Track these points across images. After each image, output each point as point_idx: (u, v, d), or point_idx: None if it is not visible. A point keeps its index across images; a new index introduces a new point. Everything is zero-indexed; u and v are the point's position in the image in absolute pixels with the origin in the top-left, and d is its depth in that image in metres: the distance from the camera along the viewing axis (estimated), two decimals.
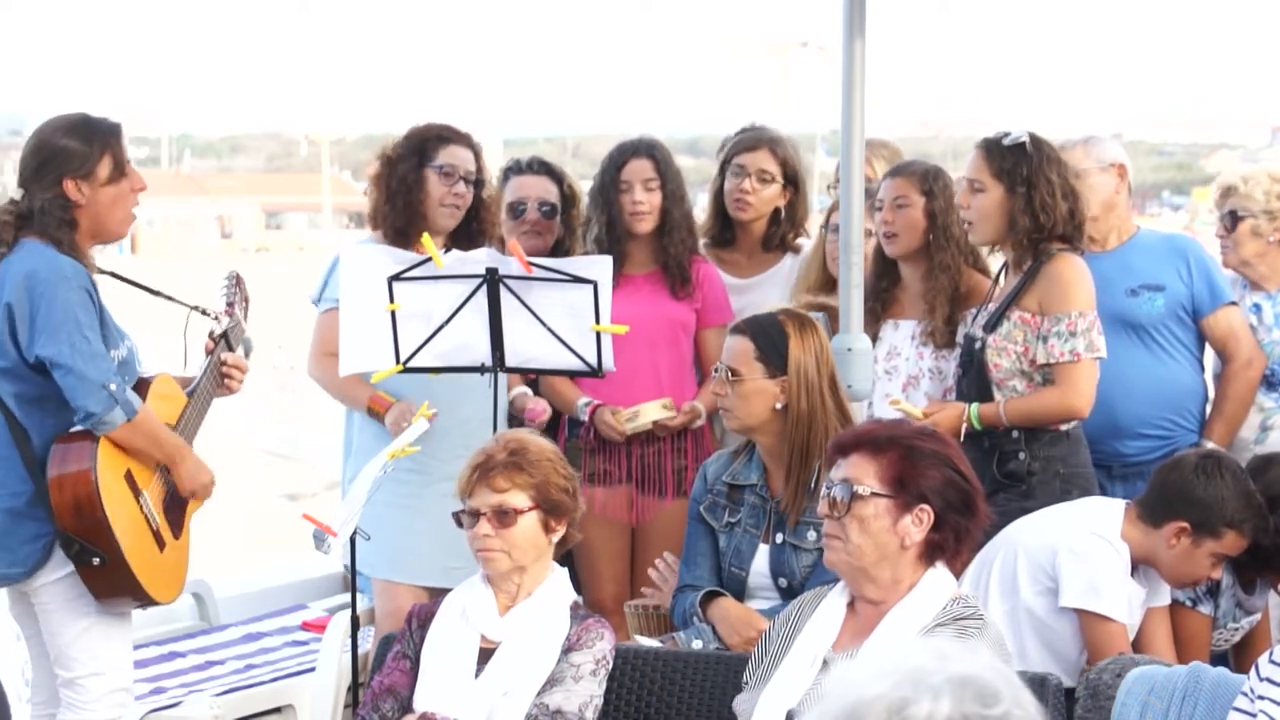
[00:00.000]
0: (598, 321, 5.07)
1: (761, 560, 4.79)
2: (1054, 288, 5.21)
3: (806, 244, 6.18)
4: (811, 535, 4.68)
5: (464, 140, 5.63)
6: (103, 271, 4.76)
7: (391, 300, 5.07)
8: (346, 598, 5.36)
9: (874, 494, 3.72)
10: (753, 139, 6.15)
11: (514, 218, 6.03)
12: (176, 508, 4.84)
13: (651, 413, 5.64)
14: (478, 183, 5.62)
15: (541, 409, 5.55)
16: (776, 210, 6.12)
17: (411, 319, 5.11)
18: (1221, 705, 3.89)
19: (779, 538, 4.78)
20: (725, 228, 6.17)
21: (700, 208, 6.39)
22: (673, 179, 5.83)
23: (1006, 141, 5.28)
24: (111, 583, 4.63)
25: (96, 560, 4.57)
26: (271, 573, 6.67)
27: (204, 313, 5.04)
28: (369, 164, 5.85)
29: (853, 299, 5.32)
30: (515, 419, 5.57)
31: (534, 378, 5.78)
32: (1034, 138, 5.30)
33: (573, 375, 5.52)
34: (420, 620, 4.28)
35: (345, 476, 5.67)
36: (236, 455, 19.07)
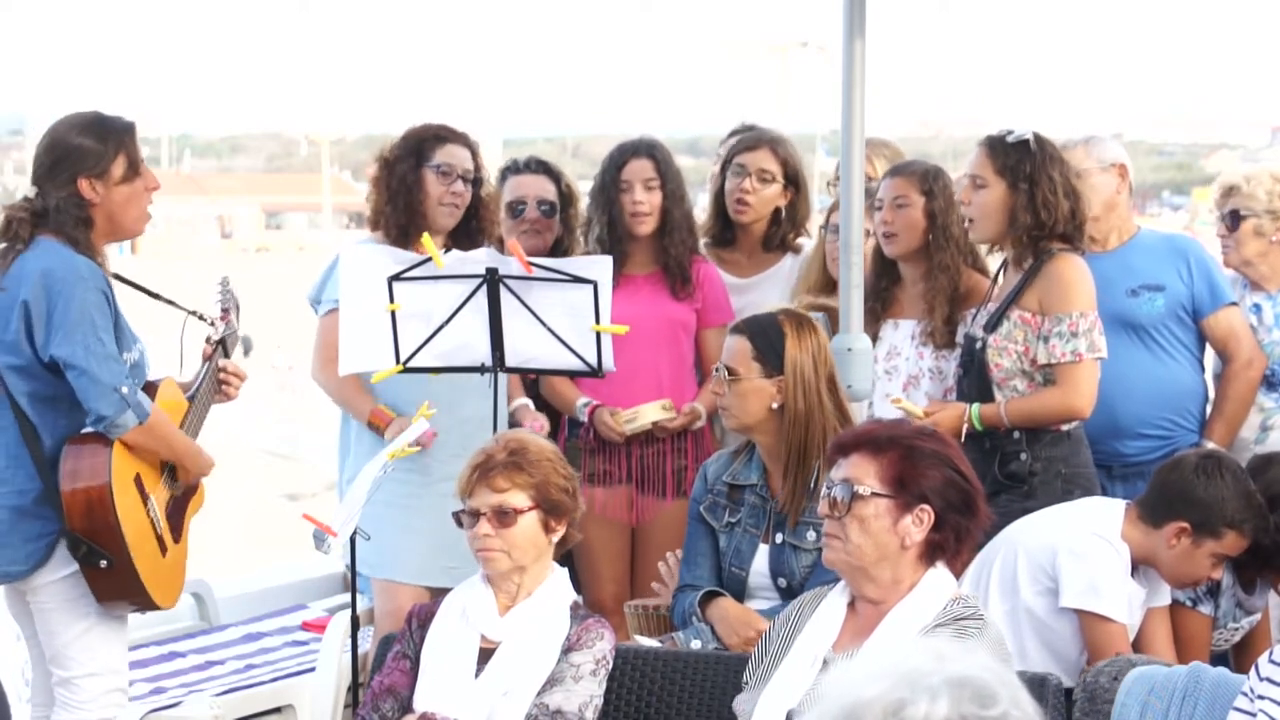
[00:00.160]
0: (598, 321, 5.07)
1: (761, 560, 4.79)
2: (1054, 288, 5.21)
3: (807, 244, 6.18)
4: (811, 535, 4.68)
5: (460, 139, 5.64)
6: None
7: (391, 300, 5.07)
8: (346, 598, 5.37)
9: (874, 494, 3.72)
10: (753, 139, 6.15)
11: (513, 217, 6.03)
12: (177, 512, 4.85)
13: (651, 414, 5.64)
14: (476, 181, 5.62)
15: (540, 425, 5.54)
16: (777, 210, 6.12)
17: (411, 319, 5.11)
18: (1221, 705, 3.89)
19: (779, 538, 4.77)
20: (726, 227, 6.17)
21: (700, 207, 6.39)
22: (673, 179, 5.83)
23: (1010, 138, 5.28)
24: (116, 586, 4.64)
25: (104, 563, 4.58)
26: (271, 573, 6.67)
27: (201, 317, 5.04)
28: (369, 165, 5.85)
29: (853, 299, 5.32)
30: (515, 420, 5.57)
31: (534, 378, 5.78)
32: (1038, 136, 5.30)
33: (573, 375, 5.52)
34: (420, 620, 4.27)
35: (344, 476, 5.66)
36: (236, 455, 19.06)
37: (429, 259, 5.06)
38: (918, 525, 3.72)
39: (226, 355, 5.06)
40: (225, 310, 5.11)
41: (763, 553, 4.79)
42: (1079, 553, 4.75)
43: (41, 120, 4.82)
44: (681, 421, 5.71)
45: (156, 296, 4.92)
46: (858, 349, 5.27)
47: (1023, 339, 5.22)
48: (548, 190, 6.08)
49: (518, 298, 5.06)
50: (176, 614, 5.89)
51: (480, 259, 5.11)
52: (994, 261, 5.60)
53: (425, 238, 5.24)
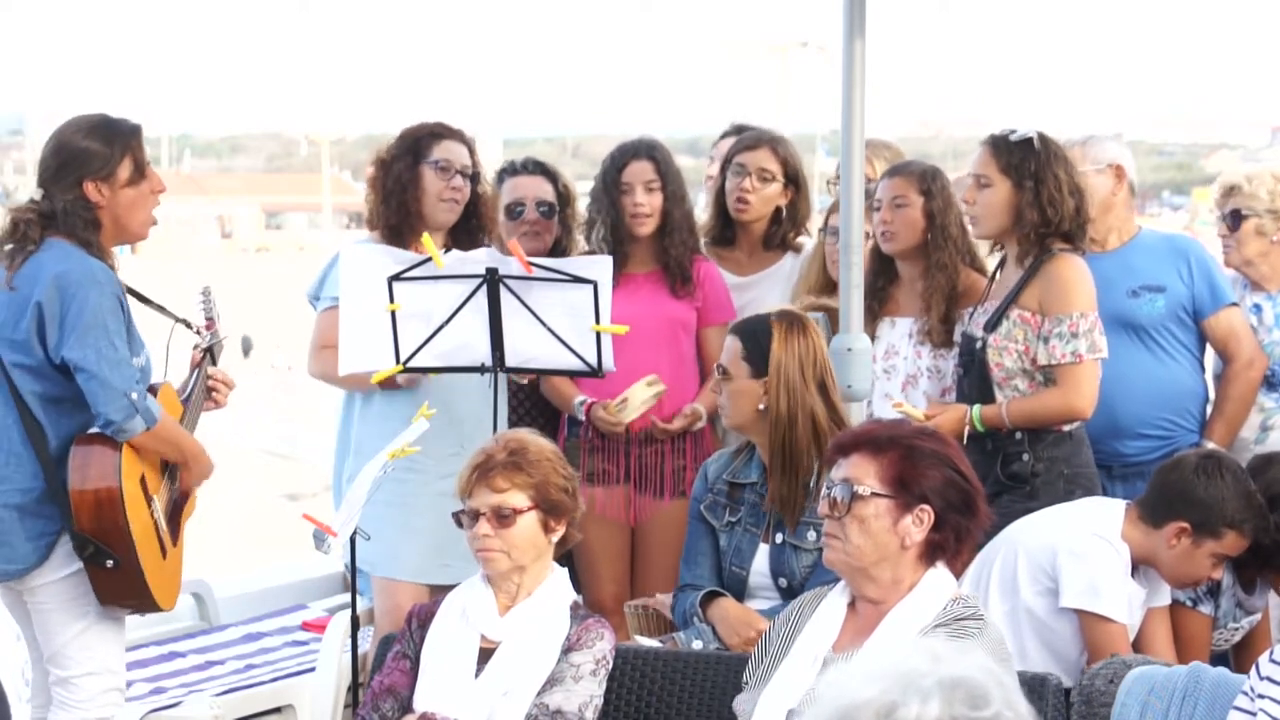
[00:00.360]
0: (598, 321, 5.07)
1: (762, 560, 4.79)
2: (1055, 288, 5.20)
3: (807, 243, 6.18)
4: (811, 535, 4.67)
5: (457, 136, 5.64)
6: None
7: (391, 300, 5.07)
8: (346, 598, 5.37)
9: (874, 494, 3.72)
10: (754, 138, 6.15)
11: (512, 219, 6.03)
12: (175, 514, 4.86)
13: (639, 393, 5.60)
14: (473, 177, 5.62)
15: None
16: (778, 209, 6.12)
17: (411, 319, 5.11)
18: (1221, 705, 3.89)
19: (779, 537, 4.77)
20: (726, 226, 6.17)
21: (700, 207, 6.39)
22: (673, 180, 5.83)
23: (1014, 137, 5.28)
24: (120, 586, 4.64)
25: (111, 563, 4.58)
26: (271, 573, 6.66)
27: (188, 325, 5.05)
28: (368, 166, 5.85)
29: (853, 299, 5.31)
30: (514, 419, 5.57)
31: (534, 377, 5.78)
32: (1041, 135, 5.30)
33: (573, 375, 5.52)
34: (420, 620, 4.27)
35: (344, 475, 5.65)
36: (236, 455, 19.07)
37: (429, 259, 5.06)
38: (918, 525, 3.72)
39: (214, 363, 5.08)
40: (210, 319, 5.13)
41: (763, 552, 4.79)
42: (1079, 553, 4.75)
43: (41, 120, 4.83)
44: (681, 423, 5.71)
45: (147, 301, 4.92)
46: (857, 349, 5.26)
47: (1023, 338, 5.22)
48: (546, 191, 6.08)
49: (518, 298, 5.07)
50: (176, 614, 5.88)
51: (480, 259, 5.12)
52: (992, 262, 5.60)
53: (425, 238, 5.24)
